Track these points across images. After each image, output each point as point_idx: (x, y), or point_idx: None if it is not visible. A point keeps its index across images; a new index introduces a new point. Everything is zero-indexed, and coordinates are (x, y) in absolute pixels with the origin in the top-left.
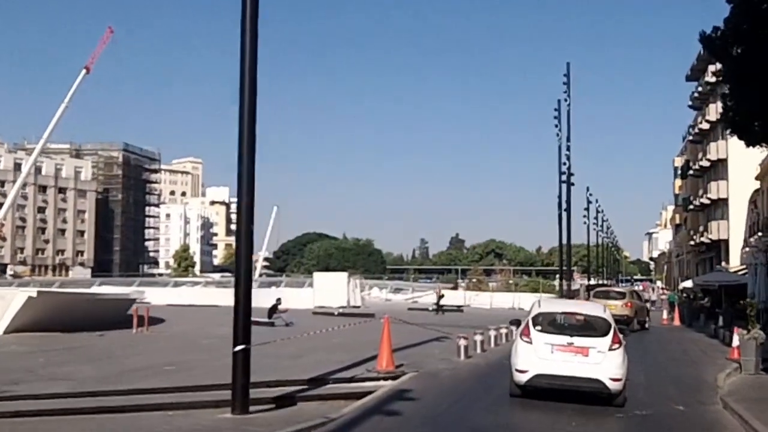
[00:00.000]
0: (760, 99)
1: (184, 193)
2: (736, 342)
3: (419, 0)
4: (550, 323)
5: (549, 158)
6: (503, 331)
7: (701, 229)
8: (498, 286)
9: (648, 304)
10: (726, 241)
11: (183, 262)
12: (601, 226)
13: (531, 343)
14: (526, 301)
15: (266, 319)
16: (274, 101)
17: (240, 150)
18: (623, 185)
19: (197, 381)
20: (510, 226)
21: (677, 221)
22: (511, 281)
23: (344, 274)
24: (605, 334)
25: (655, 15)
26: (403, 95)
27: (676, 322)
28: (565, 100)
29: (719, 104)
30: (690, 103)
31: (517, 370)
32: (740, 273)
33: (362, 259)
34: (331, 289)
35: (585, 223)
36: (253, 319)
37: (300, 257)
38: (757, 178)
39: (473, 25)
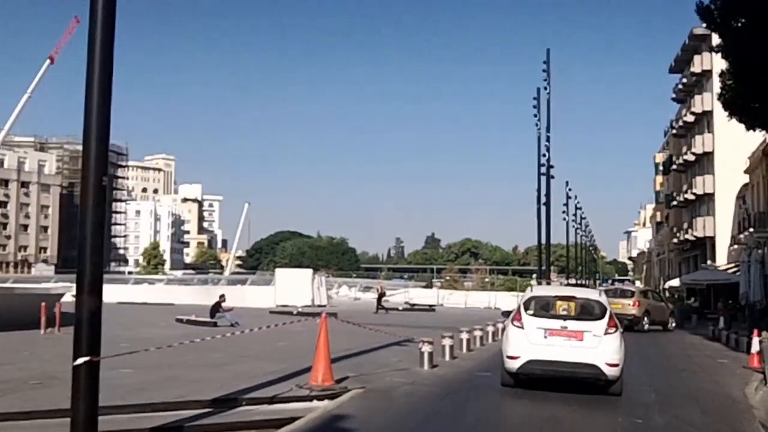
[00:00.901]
0: (762, 76)
1: (156, 190)
2: (755, 347)
3: None
4: (543, 307)
5: (526, 157)
6: (477, 333)
7: (685, 226)
8: (473, 286)
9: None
10: (712, 239)
11: (153, 260)
12: (580, 223)
13: (522, 327)
14: (503, 301)
15: (208, 319)
16: (246, 100)
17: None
18: (599, 185)
19: (59, 402)
20: (486, 226)
21: (658, 219)
22: (487, 279)
23: (309, 271)
24: (600, 317)
25: (637, 5)
26: (378, 94)
27: None
28: (545, 89)
29: (706, 95)
30: (673, 95)
31: (508, 357)
32: (730, 271)
33: (336, 258)
34: (295, 286)
35: (564, 219)
36: (193, 318)
37: (273, 255)
38: (746, 172)
39: (449, 20)
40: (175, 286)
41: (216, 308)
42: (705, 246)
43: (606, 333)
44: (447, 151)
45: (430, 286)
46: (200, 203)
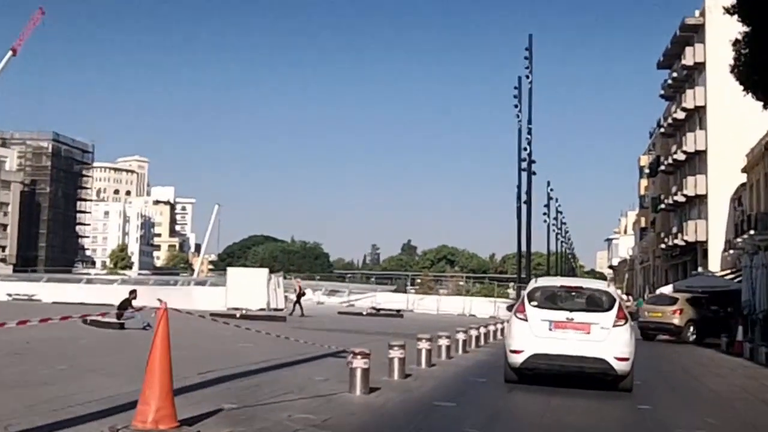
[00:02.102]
0: None
1: (128, 192)
2: None
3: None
4: (548, 298)
5: (505, 163)
6: (444, 342)
7: (674, 230)
8: (448, 293)
9: None
10: (704, 243)
11: (120, 262)
12: (560, 228)
13: (526, 320)
14: (479, 307)
15: (114, 320)
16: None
17: None
18: (575, 194)
19: None
20: (464, 233)
21: (642, 224)
22: (462, 284)
23: (264, 271)
24: (609, 309)
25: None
26: (355, 99)
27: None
28: (527, 77)
29: (699, 89)
30: (662, 92)
31: (511, 351)
32: (728, 277)
33: (308, 263)
34: (248, 288)
35: (545, 221)
36: (98, 318)
37: (245, 260)
38: (743, 171)
39: (426, 17)
40: (123, 287)
41: (124, 307)
42: (696, 251)
43: (615, 325)
44: (424, 158)
45: (403, 290)
46: (172, 206)
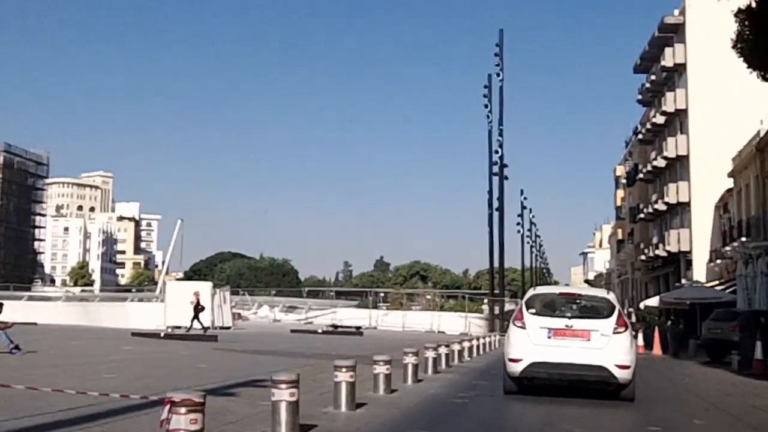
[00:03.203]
0: None
1: (92, 209)
2: None
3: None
4: (546, 305)
5: (478, 176)
6: (408, 361)
7: (654, 241)
8: (421, 309)
9: None
10: (687, 254)
11: (80, 280)
12: (535, 241)
13: (524, 328)
14: (449, 323)
15: None
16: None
17: None
18: (548, 208)
19: None
20: (437, 249)
21: (619, 236)
22: (430, 297)
23: (207, 285)
24: (608, 315)
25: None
26: (326, 116)
27: (656, 350)
28: (498, 75)
29: (680, 91)
30: (639, 96)
31: (510, 360)
32: (720, 288)
33: (276, 279)
34: (189, 304)
35: (519, 231)
36: None
37: (211, 277)
38: (730, 175)
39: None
40: (62, 305)
41: None
42: (679, 262)
43: (615, 332)
44: (396, 172)
45: (366, 306)
46: (137, 222)
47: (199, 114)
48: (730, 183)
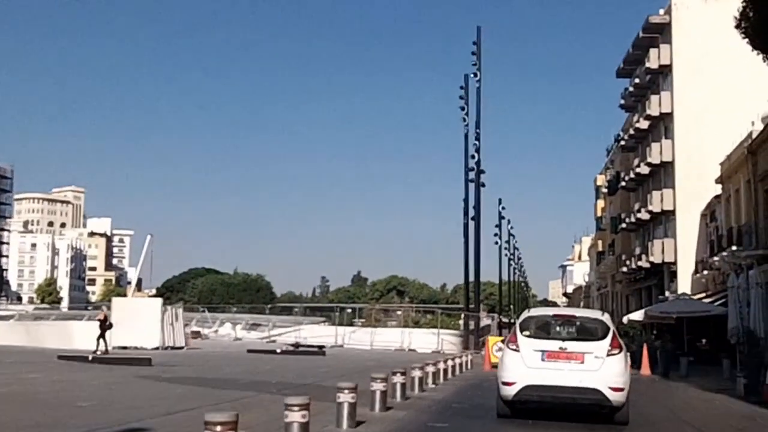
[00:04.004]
0: None
1: (63, 224)
2: None
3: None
4: (540, 327)
5: (457, 189)
6: (378, 387)
7: (637, 251)
8: (397, 325)
9: None
10: (672, 264)
11: (47, 297)
12: (513, 252)
13: (518, 350)
14: (421, 340)
15: None
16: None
17: None
18: (526, 222)
19: None
20: (414, 264)
21: (600, 248)
22: (401, 312)
23: (157, 301)
24: (602, 337)
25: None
26: (300, 127)
27: (645, 370)
28: (474, 75)
29: (665, 94)
30: (622, 101)
31: (503, 383)
32: (708, 301)
33: (249, 295)
34: (137, 322)
35: (497, 242)
36: None
37: (183, 293)
38: (718, 181)
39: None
40: (10, 323)
41: None
42: (662, 274)
43: (609, 354)
44: (372, 185)
45: (349, 322)
46: (109, 238)
47: (174, 128)
48: (717, 189)
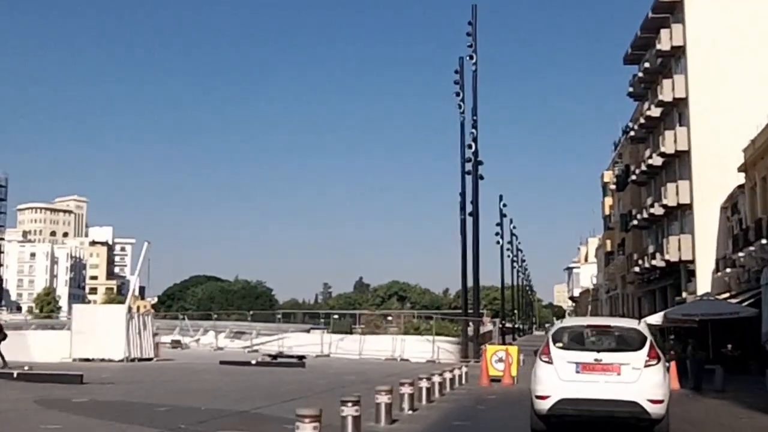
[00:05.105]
0: None
1: (66, 234)
2: None
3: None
4: (574, 339)
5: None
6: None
7: (650, 250)
8: (397, 331)
9: None
10: (689, 263)
11: (46, 307)
12: (516, 254)
13: (551, 363)
14: (414, 348)
15: None
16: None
17: None
18: (530, 225)
19: None
20: (417, 269)
21: (608, 248)
22: (391, 317)
23: (122, 308)
24: (640, 347)
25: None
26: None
27: (674, 384)
28: (471, 57)
29: (678, 78)
30: (630, 89)
31: (537, 397)
32: (735, 302)
33: (248, 302)
34: (101, 331)
35: (498, 242)
36: None
37: (183, 301)
38: (741, 170)
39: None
40: None
41: None
42: (679, 273)
43: (647, 365)
44: (375, 192)
45: (349, 331)
46: (110, 247)
47: (176, 136)
48: (740, 179)
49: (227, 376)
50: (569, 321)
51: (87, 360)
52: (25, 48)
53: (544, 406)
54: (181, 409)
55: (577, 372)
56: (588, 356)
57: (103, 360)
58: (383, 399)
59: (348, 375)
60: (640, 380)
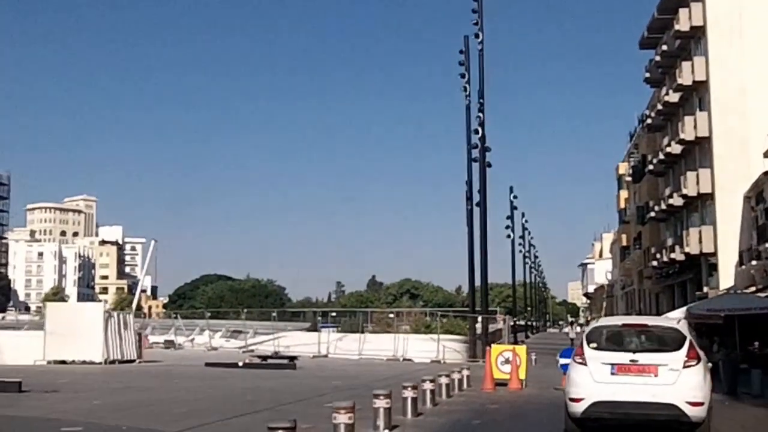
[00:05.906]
0: None
1: (76, 233)
2: None
3: None
4: (609, 339)
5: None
6: None
7: (669, 243)
8: (409, 330)
9: None
10: (711, 256)
11: None
12: (528, 249)
13: (586, 364)
14: (417, 348)
15: None
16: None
17: None
18: (542, 221)
19: None
20: (429, 267)
21: (624, 243)
22: (424, 318)
23: (98, 306)
24: (678, 347)
25: None
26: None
27: None
28: (476, 36)
29: (698, 60)
30: (647, 75)
31: (571, 400)
32: (765, 296)
33: (258, 301)
34: (77, 331)
35: (509, 236)
36: None
37: (194, 300)
38: (766, 155)
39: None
40: None
41: None
42: (700, 267)
43: (686, 366)
44: (388, 191)
45: (361, 329)
46: (120, 246)
47: (186, 134)
48: (765, 165)
49: (202, 381)
50: (605, 320)
51: (63, 362)
52: (34, 48)
53: (578, 409)
54: (96, 428)
55: (613, 373)
56: (623, 357)
57: (84, 362)
58: (343, 418)
59: (334, 380)
60: (679, 381)
